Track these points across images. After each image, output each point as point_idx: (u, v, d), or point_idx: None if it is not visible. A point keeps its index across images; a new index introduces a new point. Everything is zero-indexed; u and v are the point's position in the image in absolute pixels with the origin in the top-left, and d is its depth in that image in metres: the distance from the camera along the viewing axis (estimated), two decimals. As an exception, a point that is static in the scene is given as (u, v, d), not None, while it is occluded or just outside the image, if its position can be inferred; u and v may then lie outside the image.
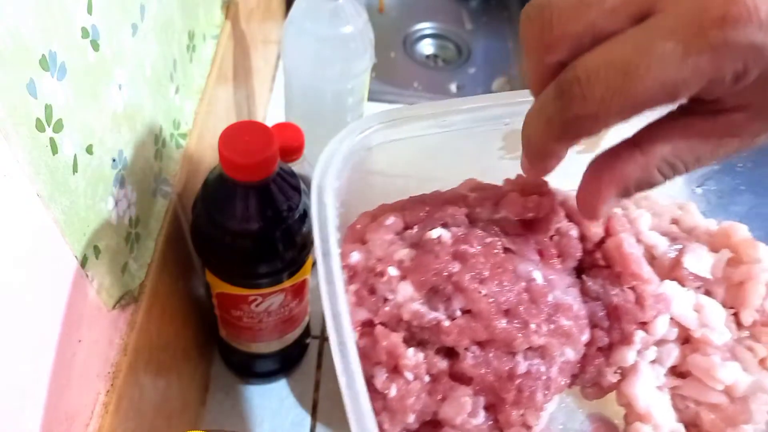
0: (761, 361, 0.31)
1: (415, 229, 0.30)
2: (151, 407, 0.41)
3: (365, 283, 0.29)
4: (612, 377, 0.30)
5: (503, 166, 0.34)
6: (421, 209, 0.31)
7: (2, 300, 0.25)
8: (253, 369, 0.57)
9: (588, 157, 0.34)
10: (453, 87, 0.92)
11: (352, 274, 0.29)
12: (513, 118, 0.31)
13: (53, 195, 0.27)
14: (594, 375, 0.31)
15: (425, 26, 0.99)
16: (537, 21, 0.21)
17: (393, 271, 0.28)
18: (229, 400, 0.57)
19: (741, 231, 0.33)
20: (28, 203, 0.26)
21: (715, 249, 0.33)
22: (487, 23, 1.01)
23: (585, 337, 0.29)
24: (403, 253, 0.28)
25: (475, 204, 0.31)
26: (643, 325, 0.30)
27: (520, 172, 0.33)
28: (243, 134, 0.38)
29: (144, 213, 0.39)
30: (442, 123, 0.30)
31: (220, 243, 0.42)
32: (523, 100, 0.30)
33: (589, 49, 0.19)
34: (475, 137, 0.32)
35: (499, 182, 0.33)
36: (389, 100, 0.79)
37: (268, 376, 0.57)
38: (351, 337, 0.24)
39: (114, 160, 0.33)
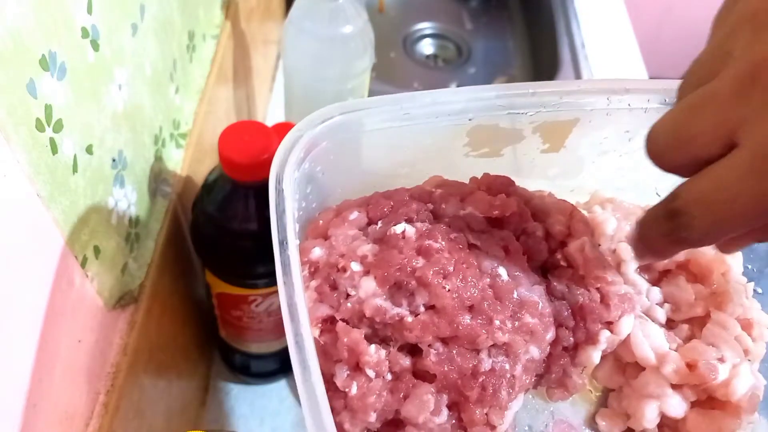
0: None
1: (379, 224, 0.30)
2: (151, 407, 0.41)
3: (327, 278, 0.28)
4: (578, 378, 0.30)
5: (468, 163, 0.33)
6: (385, 204, 0.30)
7: (1, 300, 0.25)
8: (253, 369, 0.57)
9: (553, 156, 0.34)
10: (453, 87, 0.92)
11: (314, 269, 0.28)
12: (476, 114, 0.30)
13: (53, 195, 0.27)
14: (559, 375, 0.30)
15: (425, 26, 0.99)
16: (651, 152, 0.24)
17: (356, 267, 0.27)
18: (229, 400, 0.57)
19: None
20: (28, 203, 0.26)
21: None
22: (487, 23, 1.01)
23: (550, 335, 0.29)
24: (367, 248, 0.28)
25: (441, 200, 0.31)
26: (609, 324, 0.30)
27: (485, 169, 0.33)
28: (243, 134, 0.38)
29: (144, 213, 0.39)
30: (404, 116, 0.30)
31: (220, 243, 0.42)
32: (486, 95, 0.30)
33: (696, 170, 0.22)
34: (439, 133, 0.31)
35: (464, 179, 0.33)
36: (389, 100, 0.79)
37: (268, 376, 0.57)
38: (308, 329, 0.23)
39: (114, 160, 0.33)
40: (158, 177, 0.41)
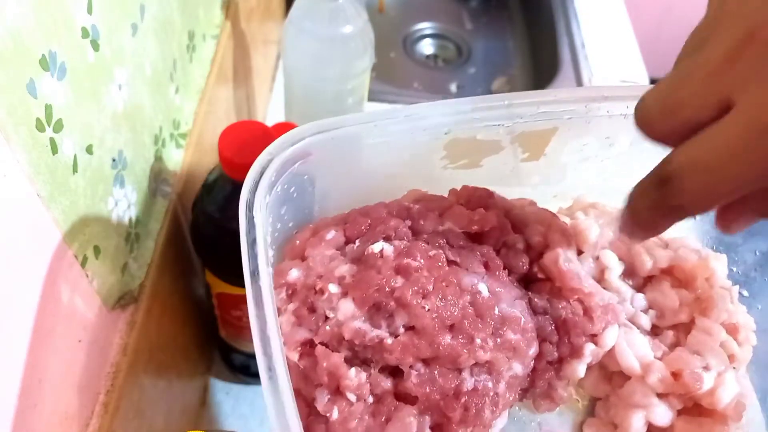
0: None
1: (357, 243, 0.29)
2: (151, 407, 0.41)
3: (305, 301, 0.27)
4: (563, 390, 0.30)
5: (448, 175, 0.33)
6: (362, 222, 0.30)
7: (2, 300, 0.25)
8: (253, 369, 0.57)
9: (533, 165, 0.34)
10: (453, 87, 0.92)
11: (291, 292, 0.28)
12: (452, 127, 0.30)
13: (53, 195, 0.27)
14: (545, 389, 0.30)
15: (425, 26, 0.99)
16: (639, 120, 0.23)
17: (333, 288, 0.27)
18: (229, 400, 0.57)
19: (690, 241, 0.33)
20: (28, 203, 0.26)
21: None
22: (487, 23, 1.01)
23: (533, 350, 0.28)
24: (344, 268, 0.27)
25: (419, 216, 0.30)
26: (593, 337, 0.30)
27: (466, 180, 0.33)
28: (243, 134, 0.38)
29: (144, 213, 0.39)
30: (379, 132, 0.29)
31: (220, 243, 0.42)
32: (461, 108, 0.30)
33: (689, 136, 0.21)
34: (416, 147, 0.31)
35: (444, 191, 0.33)
36: (389, 100, 0.79)
37: (268, 376, 0.57)
38: (282, 364, 0.22)
39: (114, 160, 0.33)
40: (158, 177, 0.41)
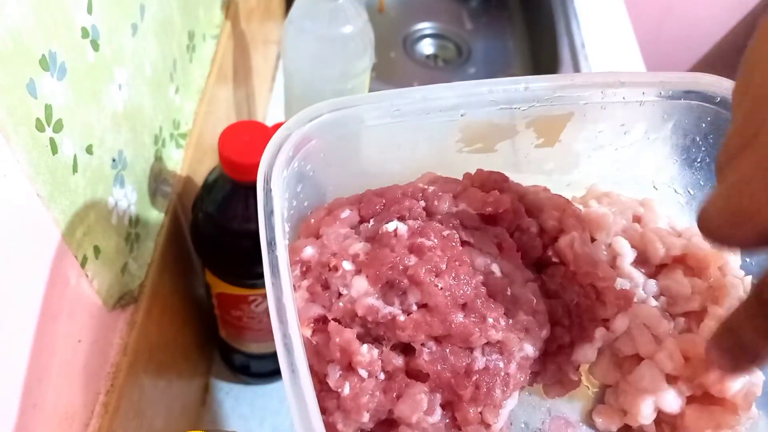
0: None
1: (371, 222, 0.29)
2: (151, 407, 0.41)
3: (318, 278, 0.28)
4: (574, 375, 0.30)
5: (462, 159, 0.33)
6: (377, 202, 0.30)
7: (1, 300, 0.25)
8: (253, 369, 0.57)
9: (548, 151, 0.34)
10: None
11: (306, 269, 0.28)
12: (468, 109, 0.30)
13: (53, 195, 0.27)
14: (555, 372, 0.30)
15: (425, 26, 0.99)
16: (709, 233, 0.22)
17: (347, 266, 0.27)
18: (229, 400, 0.57)
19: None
20: (28, 203, 0.26)
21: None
22: (487, 23, 1.01)
23: (544, 332, 0.28)
24: (358, 246, 0.28)
25: (433, 197, 0.30)
26: (604, 321, 0.30)
27: (480, 165, 0.32)
28: (243, 134, 0.38)
29: (144, 213, 0.39)
30: (395, 113, 0.29)
31: (220, 243, 0.42)
32: (478, 90, 0.29)
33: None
34: (432, 129, 0.31)
35: (458, 175, 0.33)
36: (389, 100, 0.79)
37: (268, 377, 0.57)
38: (296, 331, 0.23)
39: (114, 160, 0.33)
40: (158, 177, 0.41)
